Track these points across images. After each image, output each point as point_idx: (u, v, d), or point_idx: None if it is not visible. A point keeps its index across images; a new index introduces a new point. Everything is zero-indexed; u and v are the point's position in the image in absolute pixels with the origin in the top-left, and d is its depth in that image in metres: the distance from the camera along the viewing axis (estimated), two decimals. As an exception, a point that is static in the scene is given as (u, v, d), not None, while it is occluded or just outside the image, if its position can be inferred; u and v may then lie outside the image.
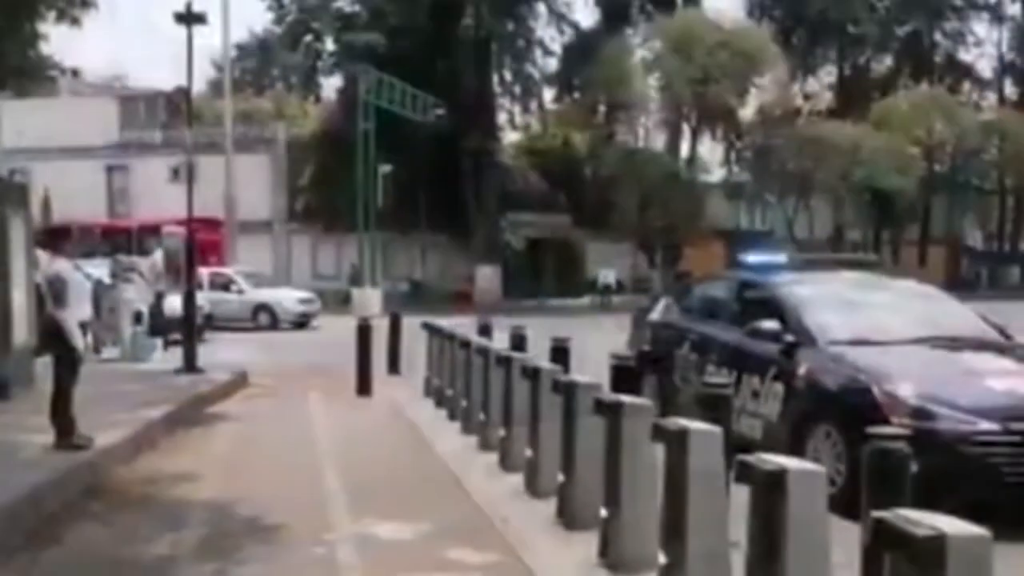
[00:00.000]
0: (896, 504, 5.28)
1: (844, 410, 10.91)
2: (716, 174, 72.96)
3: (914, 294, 14.49)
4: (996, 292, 63.07)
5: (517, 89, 65.87)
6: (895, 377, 10.65)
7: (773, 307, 12.98)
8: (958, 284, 62.37)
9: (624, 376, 11.38)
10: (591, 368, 11.61)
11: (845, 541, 6.53)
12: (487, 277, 59.67)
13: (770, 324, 12.50)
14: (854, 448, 9.49)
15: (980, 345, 12.53)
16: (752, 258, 15.78)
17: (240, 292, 41.82)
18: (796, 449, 10.78)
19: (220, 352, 26.77)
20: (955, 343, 12.41)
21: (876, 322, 12.66)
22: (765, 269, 14.92)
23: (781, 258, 16.49)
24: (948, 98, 74.36)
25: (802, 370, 11.74)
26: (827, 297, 13.28)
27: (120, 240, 42.52)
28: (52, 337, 12.91)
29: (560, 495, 9.89)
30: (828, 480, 6.72)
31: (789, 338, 12.19)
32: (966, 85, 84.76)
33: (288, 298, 43.40)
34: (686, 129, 65.14)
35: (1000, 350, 12.45)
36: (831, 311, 12.74)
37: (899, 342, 12.00)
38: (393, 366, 22.98)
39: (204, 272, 36.85)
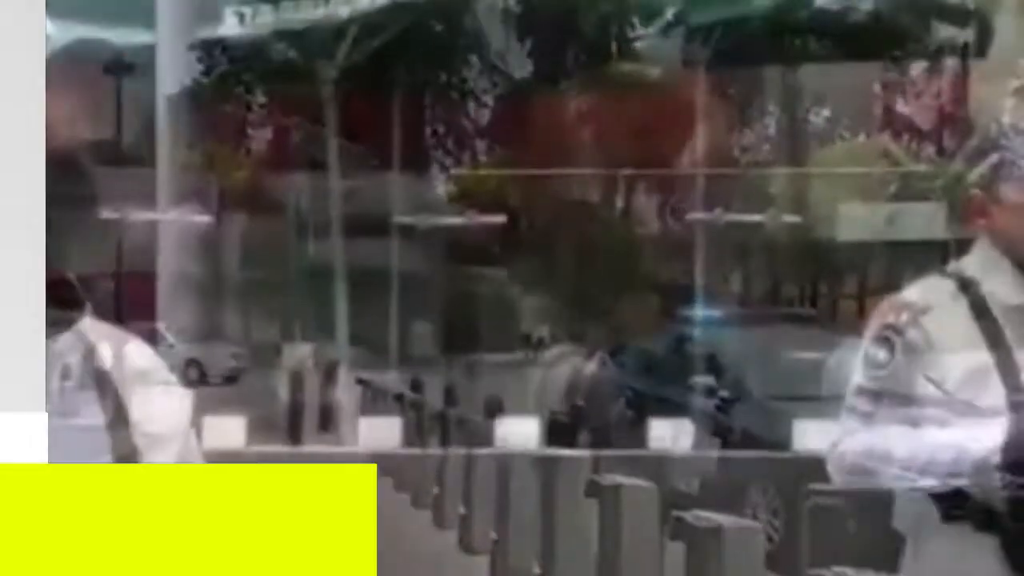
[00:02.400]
0: (834, 561, 5.19)
1: (781, 466, 10.83)
2: (652, 226, 73.07)
3: (852, 348, 14.48)
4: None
5: (450, 141, 65.85)
6: (833, 432, 10.55)
7: (709, 362, 12.92)
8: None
9: (559, 431, 11.29)
10: (525, 423, 11.45)
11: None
12: (421, 331, 59.47)
13: (706, 379, 12.44)
14: (792, 504, 9.42)
15: (920, 400, 12.47)
16: (688, 312, 15.72)
17: (170, 346, 41.41)
18: (733, 505, 10.69)
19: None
20: (895, 397, 12.36)
21: (813, 376, 12.62)
22: (701, 323, 14.85)
23: (717, 312, 16.47)
24: (887, 149, 75.05)
25: (738, 425, 11.65)
26: (763, 352, 13.23)
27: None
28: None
29: (493, 552, 9.74)
30: (765, 537, 6.62)
31: (725, 393, 12.12)
32: (905, 136, 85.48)
33: (219, 352, 43.01)
34: (621, 181, 65.21)
35: (941, 404, 12.38)
36: (767, 366, 12.68)
37: (837, 396, 11.93)
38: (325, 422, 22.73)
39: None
